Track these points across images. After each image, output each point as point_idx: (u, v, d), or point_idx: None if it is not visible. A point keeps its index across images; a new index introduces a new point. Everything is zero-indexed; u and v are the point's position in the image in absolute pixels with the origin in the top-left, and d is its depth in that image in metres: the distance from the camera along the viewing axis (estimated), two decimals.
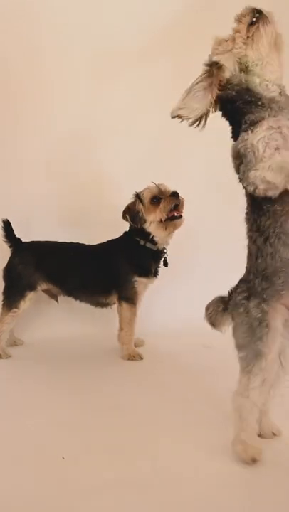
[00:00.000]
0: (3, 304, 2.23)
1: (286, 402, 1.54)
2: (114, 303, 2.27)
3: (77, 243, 2.31)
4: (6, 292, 2.25)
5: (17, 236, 2.28)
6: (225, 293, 1.45)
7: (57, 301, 2.38)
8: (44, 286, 2.26)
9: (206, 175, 2.78)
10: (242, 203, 1.34)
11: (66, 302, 2.41)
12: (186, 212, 2.20)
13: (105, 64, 2.67)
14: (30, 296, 2.22)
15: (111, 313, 2.35)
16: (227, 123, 1.39)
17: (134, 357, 2.17)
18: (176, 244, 2.28)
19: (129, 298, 2.20)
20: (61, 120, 2.65)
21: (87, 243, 2.34)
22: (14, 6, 2.56)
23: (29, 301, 2.22)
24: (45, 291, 2.31)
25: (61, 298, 2.39)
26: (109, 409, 1.68)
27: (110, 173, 2.69)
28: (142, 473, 1.28)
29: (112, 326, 2.28)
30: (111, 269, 2.22)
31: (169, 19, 2.71)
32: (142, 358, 2.16)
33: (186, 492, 1.20)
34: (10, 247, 2.27)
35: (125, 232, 2.26)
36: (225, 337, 1.88)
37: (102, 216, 2.60)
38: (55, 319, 2.54)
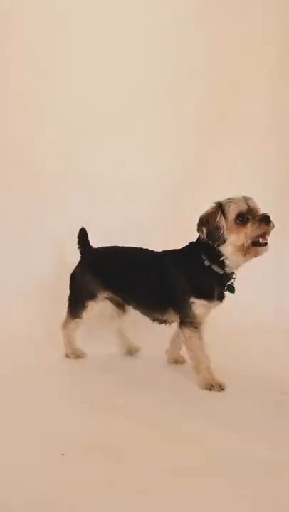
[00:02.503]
0: (67, 312, 2.21)
1: None
2: (173, 321, 2.03)
3: (143, 249, 2.10)
4: (69, 300, 2.22)
5: (91, 244, 2.23)
6: None
7: (124, 311, 2.25)
8: (104, 294, 2.14)
9: None
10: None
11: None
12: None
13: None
14: (92, 305, 2.14)
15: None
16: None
17: (212, 386, 1.83)
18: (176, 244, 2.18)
19: (189, 322, 1.89)
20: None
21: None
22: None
23: (91, 311, 2.15)
24: (110, 299, 2.20)
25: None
26: (108, 408, 1.68)
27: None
28: (142, 472, 1.28)
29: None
30: (167, 284, 1.94)
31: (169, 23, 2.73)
32: (223, 389, 1.83)
33: (185, 492, 1.20)
34: (80, 253, 2.23)
35: (190, 244, 1.96)
36: (225, 337, 1.91)
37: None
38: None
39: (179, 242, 1.99)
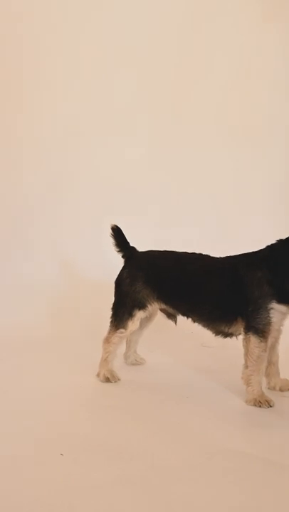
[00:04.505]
0: (111, 323, 1.96)
1: None
2: (240, 333, 1.82)
3: (201, 255, 1.93)
4: (113, 309, 1.97)
5: (132, 245, 2.02)
6: None
7: (175, 322, 2.03)
8: (156, 305, 1.95)
9: None
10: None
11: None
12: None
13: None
14: (140, 315, 1.93)
15: None
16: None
17: (260, 403, 1.69)
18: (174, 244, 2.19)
19: (260, 330, 1.71)
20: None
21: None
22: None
23: (138, 322, 1.93)
24: (162, 310, 2.02)
25: None
26: (108, 408, 1.68)
27: None
28: (141, 471, 1.28)
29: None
30: (240, 289, 1.75)
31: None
32: (271, 406, 1.70)
33: (186, 492, 1.20)
34: (123, 256, 2.00)
35: (272, 245, 1.78)
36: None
37: None
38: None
39: (179, 246, 1.99)
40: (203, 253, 1.93)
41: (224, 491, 1.21)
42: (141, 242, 2.05)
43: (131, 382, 1.93)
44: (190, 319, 1.94)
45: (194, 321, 1.92)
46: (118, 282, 1.98)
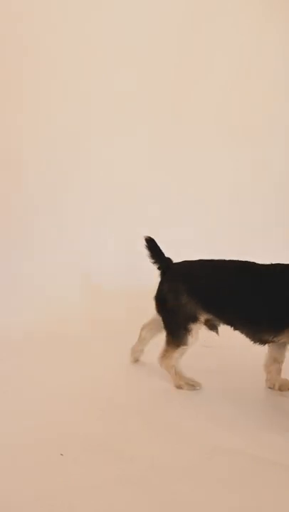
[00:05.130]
0: (168, 341, 1.88)
1: None
2: (285, 342, 1.77)
3: (243, 261, 1.84)
4: (167, 327, 1.88)
5: (167, 256, 1.95)
6: None
7: (217, 332, 1.92)
8: (205, 316, 1.84)
9: None
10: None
11: None
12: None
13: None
14: (196, 328, 1.83)
15: None
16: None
17: None
18: (175, 250, 2.15)
19: None
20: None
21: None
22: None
23: (197, 335, 1.85)
24: (205, 321, 1.92)
25: None
26: (108, 408, 1.68)
27: None
28: (141, 471, 1.28)
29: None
30: None
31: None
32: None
33: (186, 492, 1.20)
34: (158, 268, 1.92)
35: None
36: (224, 337, 1.91)
37: None
38: None
39: (179, 246, 1.99)
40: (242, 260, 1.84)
41: (224, 491, 1.21)
42: (141, 242, 2.04)
43: (130, 382, 1.94)
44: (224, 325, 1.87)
45: (236, 329, 1.83)
46: (160, 298, 1.89)
